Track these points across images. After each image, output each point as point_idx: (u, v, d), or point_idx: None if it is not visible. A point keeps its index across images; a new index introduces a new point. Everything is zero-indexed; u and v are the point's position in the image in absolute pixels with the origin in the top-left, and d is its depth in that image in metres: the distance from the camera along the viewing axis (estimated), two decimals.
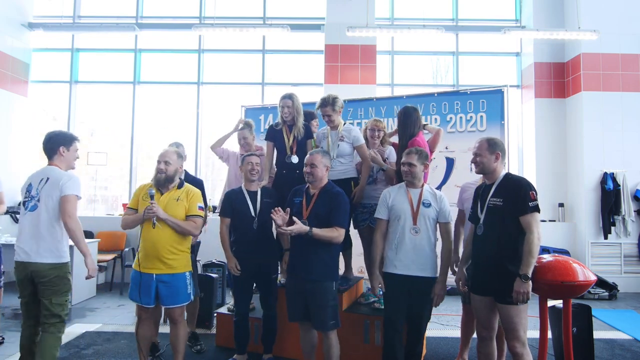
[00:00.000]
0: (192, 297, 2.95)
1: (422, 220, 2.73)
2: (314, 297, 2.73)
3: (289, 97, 3.53)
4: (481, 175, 3.06)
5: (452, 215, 2.86)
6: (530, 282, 2.33)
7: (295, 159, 3.44)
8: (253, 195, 3.22)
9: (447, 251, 2.78)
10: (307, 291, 2.75)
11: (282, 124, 3.60)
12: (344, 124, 3.46)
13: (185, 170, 3.60)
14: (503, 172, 2.59)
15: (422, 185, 2.82)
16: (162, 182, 2.84)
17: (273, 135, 3.64)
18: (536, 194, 2.44)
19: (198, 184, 3.56)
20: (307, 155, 2.90)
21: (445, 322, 4.53)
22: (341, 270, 3.60)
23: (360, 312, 3.35)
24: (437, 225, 2.80)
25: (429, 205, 2.75)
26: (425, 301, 2.74)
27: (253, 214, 3.15)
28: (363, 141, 3.40)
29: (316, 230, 2.65)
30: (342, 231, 2.75)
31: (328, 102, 3.37)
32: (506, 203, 2.44)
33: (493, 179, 2.57)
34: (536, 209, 2.40)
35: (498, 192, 2.51)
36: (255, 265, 3.14)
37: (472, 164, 2.68)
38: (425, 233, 2.73)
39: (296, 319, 2.86)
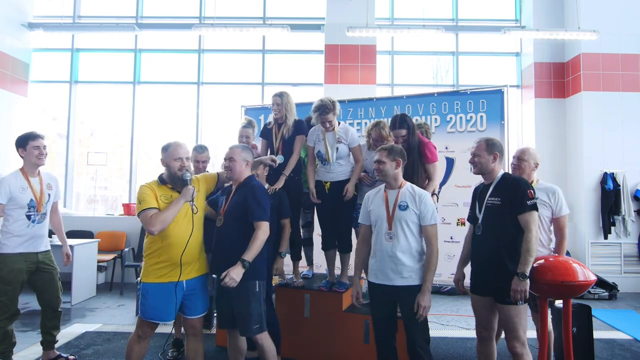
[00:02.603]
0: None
1: (398, 224, 2.49)
2: (235, 299, 2.56)
3: (279, 95, 3.47)
4: None
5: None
6: (527, 281, 2.33)
7: (280, 159, 3.36)
8: None
9: (430, 257, 2.48)
10: (229, 293, 2.54)
11: (273, 122, 3.56)
12: (339, 124, 3.41)
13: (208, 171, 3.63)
14: (501, 172, 2.59)
15: (401, 186, 2.60)
16: (184, 180, 2.58)
17: (265, 134, 3.62)
18: (534, 192, 2.45)
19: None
20: (227, 150, 2.74)
21: (445, 322, 4.53)
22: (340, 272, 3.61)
23: (360, 312, 3.34)
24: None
25: (406, 207, 2.51)
26: (413, 312, 2.45)
27: None
28: (359, 142, 3.38)
29: (246, 256, 2.46)
30: (261, 224, 2.54)
31: (330, 109, 3.26)
32: (504, 202, 2.45)
33: (491, 179, 2.58)
34: (534, 207, 2.40)
35: (496, 191, 2.52)
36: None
37: (470, 164, 2.68)
38: (403, 239, 2.49)
39: (225, 326, 2.71)
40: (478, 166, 2.59)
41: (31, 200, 3.06)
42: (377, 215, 2.59)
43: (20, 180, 3.06)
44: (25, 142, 3.10)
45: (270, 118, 3.66)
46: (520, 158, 2.93)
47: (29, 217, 3.04)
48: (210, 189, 2.81)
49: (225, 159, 2.72)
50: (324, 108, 3.26)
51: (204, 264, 2.70)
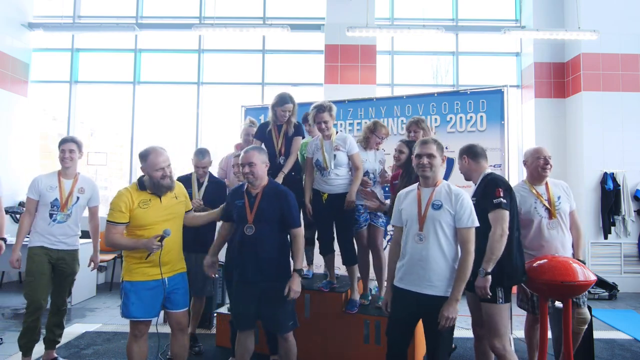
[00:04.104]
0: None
1: (430, 225, 2.27)
2: (270, 300, 2.61)
3: (292, 101, 3.38)
4: (523, 179, 3.11)
5: None
6: (488, 277, 2.37)
7: (282, 161, 3.36)
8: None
9: (463, 264, 2.23)
10: (261, 295, 2.62)
11: (271, 124, 3.48)
12: (336, 132, 3.36)
13: (209, 172, 3.67)
14: (485, 172, 2.64)
15: (437, 184, 2.38)
16: (168, 187, 2.62)
17: (263, 134, 3.54)
18: (503, 192, 2.44)
19: (222, 185, 3.66)
20: (242, 154, 2.70)
21: None
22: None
23: (360, 312, 3.34)
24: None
25: (440, 207, 2.28)
26: (437, 324, 2.24)
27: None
28: (357, 150, 3.32)
29: (298, 264, 2.64)
30: (300, 231, 2.69)
31: (325, 108, 3.24)
32: (479, 201, 2.49)
33: (476, 180, 2.67)
34: (499, 205, 2.41)
35: (476, 191, 2.61)
36: None
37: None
38: (435, 241, 2.26)
39: (245, 327, 2.71)
40: (461, 171, 2.76)
41: (55, 199, 3.18)
42: (408, 215, 2.38)
43: (52, 180, 3.21)
44: (59, 145, 3.27)
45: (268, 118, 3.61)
46: (549, 157, 2.97)
47: (51, 215, 3.16)
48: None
49: (243, 164, 2.65)
50: (320, 106, 3.28)
51: (183, 263, 2.77)
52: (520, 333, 2.85)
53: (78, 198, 3.27)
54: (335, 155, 3.24)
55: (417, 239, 2.29)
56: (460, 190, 2.34)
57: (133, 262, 2.55)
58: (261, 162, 2.67)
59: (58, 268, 3.22)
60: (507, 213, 2.41)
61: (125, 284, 2.53)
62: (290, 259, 2.77)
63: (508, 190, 2.49)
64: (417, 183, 2.47)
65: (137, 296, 2.50)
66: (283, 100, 3.38)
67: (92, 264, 3.46)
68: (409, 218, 2.38)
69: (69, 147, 3.23)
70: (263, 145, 3.57)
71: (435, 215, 2.28)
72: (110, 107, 7.61)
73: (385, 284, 3.57)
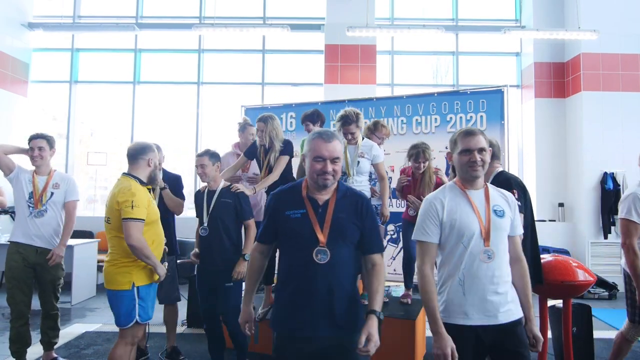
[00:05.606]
0: None
1: (499, 237, 1.81)
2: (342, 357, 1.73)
3: (263, 120, 3.24)
4: None
5: None
6: None
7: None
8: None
9: (526, 273, 1.89)
10: (328, 353, 1.71)
11: (259, 146, 3.37)
12: (363, 139, 3.27)
13: (163, 168, 3.50)
14: (497, 170, 2.52)
15: (484, 184, 1.92)
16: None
17: (252, 154, 3.45)
18: (521, 192, 2.34)
19: (175, 179, 3.50)
20: (323, 144, 1.70)
21: None
22: None
23: None
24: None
25: (503, 214, 1.84)
26: (517, 354, 1.78)
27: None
28: (383, 159, 3.26)
29: (376, 305, 1.69)
30: (381, 257, 1.85)
31: (352, 120, 3.09)
32: None
33: (487, 180, 2.51)
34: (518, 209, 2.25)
35: None
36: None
37: None
38: (504, 257, 1.83)
39: None
40: None
41: (30, 193, 3.13)
42: (465, 227, 1.80)
43: (29, 174, 3.17)
44: (28, 142, 3.17)
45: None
46: None
47: (28, 206, 3.13)
48: None
49: (323, 159, 1.69)
50: (347, 119, 3.12)
51: None
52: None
53: (52, 193, 3.17)
54: (358, 162, 3.16)
55: (485, 257, 1.78)
56: (509, 193, 1.97)
57: (142, 265, 2.43)
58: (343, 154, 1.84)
59: (38, 272, 3.13)
60: (522, 217, 2.30)
61: (141, 288, 2.43)
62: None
63: (523, 190, 2.38)
64: (453, 183, 1.93)
65: (151, 298, 2.53)
66: (257, 118, 3.30)
67: (53, 256, 3.10)
68: (468, 231, 1.80)
69: (37, 144, 3.11)
70: (254, 162, 3.51)
71: (501, 224, 1.83)
72: (110, 107, 7.62)
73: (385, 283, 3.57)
